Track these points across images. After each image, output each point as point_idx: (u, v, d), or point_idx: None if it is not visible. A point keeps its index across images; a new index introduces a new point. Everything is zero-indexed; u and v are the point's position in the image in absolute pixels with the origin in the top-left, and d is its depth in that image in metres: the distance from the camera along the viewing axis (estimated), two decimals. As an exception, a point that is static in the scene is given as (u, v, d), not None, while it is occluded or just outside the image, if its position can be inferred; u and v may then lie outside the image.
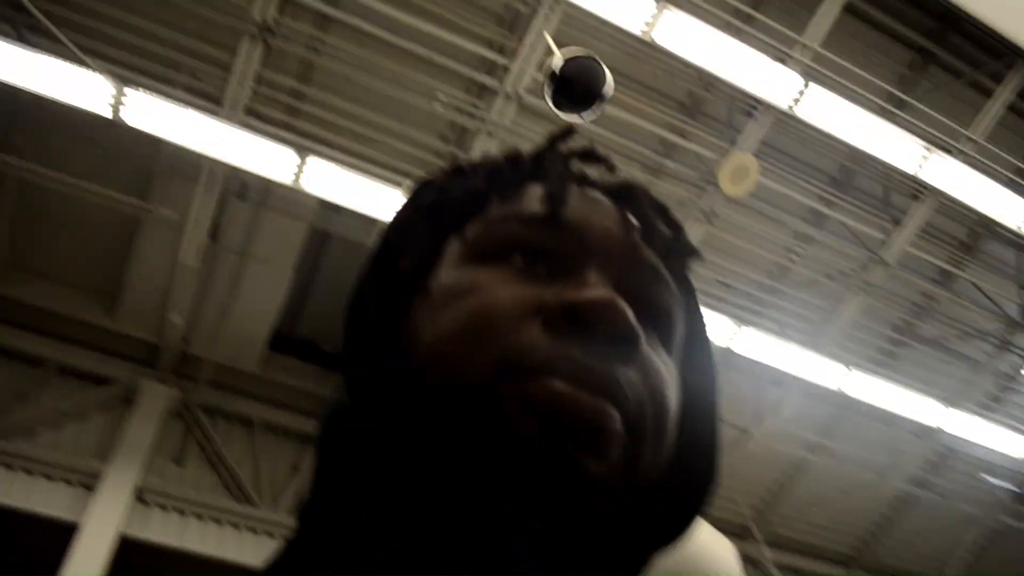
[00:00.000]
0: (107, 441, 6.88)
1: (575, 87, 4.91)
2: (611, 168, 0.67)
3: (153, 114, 5.64)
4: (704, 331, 0.66)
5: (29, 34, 5.70)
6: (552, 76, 4.97)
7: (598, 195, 0.62)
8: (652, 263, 0.60)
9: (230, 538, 6.95)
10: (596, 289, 0.53)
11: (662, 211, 0.65)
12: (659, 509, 0.54)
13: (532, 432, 0.48)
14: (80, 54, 5.51)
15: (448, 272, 0.58)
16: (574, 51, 5.12)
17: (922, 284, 8.33)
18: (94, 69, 5.49)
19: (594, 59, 4.93)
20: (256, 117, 6.14)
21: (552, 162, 0.65)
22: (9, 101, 6.04)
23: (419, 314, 0.57)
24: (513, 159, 0.65)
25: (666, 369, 0.56)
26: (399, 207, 0.68)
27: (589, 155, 0.67)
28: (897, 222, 7.52)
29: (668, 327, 0.59)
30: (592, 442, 0.49)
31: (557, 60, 4.96)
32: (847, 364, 7.65)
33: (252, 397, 7.78)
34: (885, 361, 8.81)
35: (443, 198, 0.64)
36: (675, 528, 0.56)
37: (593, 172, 0.66)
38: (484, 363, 0.50)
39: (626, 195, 0.63)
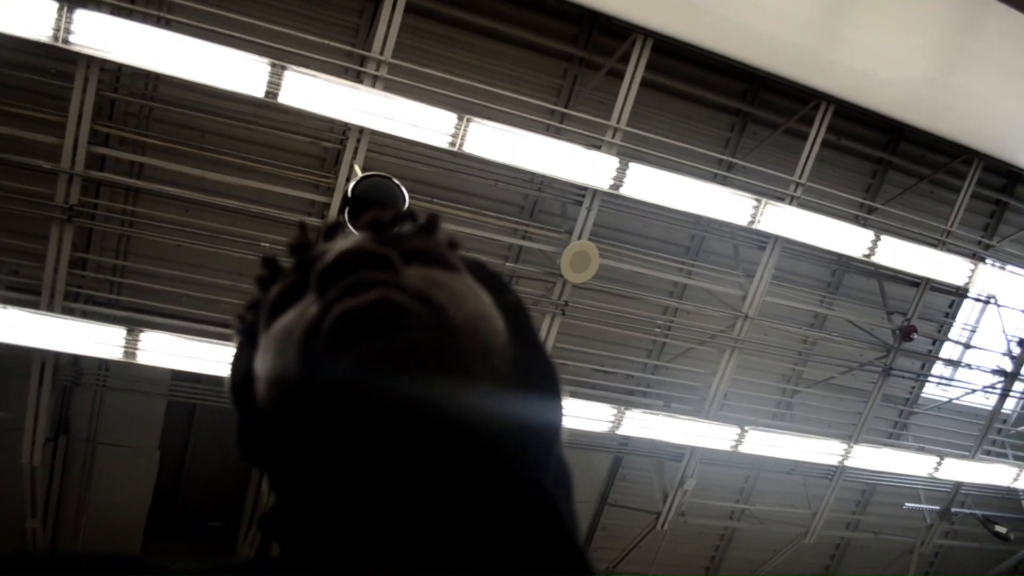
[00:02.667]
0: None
1: (370, 207, 4.98)
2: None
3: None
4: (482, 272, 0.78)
5: None
6: (346, 197, 5.03)
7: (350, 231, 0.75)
8: (397, 232, 0.73)
9: None
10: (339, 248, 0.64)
11: (404, 216, 0.77)
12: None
13: (348, 347, 0.57)
14: None
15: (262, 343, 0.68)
16: (369, 173, 5.21)
17: (800, 331, 8.47)
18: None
19: (386, 177, 5.01)
20: (80, 300, 6.03)
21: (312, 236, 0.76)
22: None
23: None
24: (269, 261, 0.77)
25: (441, 271, 0.67)
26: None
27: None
28: (750, 276, 7.69)
29: (433, 254, 0.70)
30: (390, 317, 0.58)
31: (351, 182, 5.04)
32: (741, 425, 7.63)
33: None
34: (782, 414, 8.82)
35: (250, 313, 0.77)
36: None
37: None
38: (294, 353, 0.61)
39: (372, 223, 0.74)
